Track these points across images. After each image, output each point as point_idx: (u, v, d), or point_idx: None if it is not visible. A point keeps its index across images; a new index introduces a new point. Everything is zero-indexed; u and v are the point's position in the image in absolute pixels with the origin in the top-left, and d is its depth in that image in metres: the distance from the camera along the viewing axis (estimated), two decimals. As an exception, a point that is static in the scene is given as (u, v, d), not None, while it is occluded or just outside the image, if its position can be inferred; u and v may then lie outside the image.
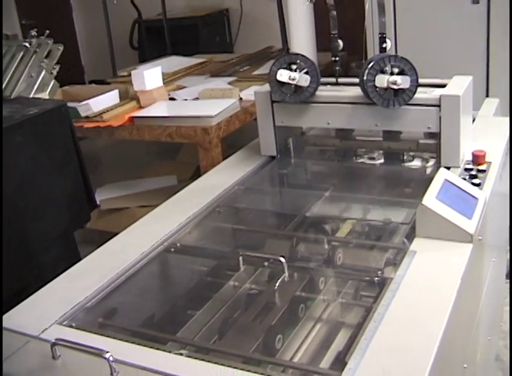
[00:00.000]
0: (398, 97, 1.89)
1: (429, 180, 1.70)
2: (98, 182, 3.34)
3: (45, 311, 1.40)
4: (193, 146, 2.93)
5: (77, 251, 2.42)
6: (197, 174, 2.19)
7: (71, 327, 1.36)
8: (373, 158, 2.20)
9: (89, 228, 3.00)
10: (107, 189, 3.41)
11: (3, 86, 2.70)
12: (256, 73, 3.63)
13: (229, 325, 1.48)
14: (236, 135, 2.95)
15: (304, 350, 1.45)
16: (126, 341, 1.29)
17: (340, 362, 1.28)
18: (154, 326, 1.50)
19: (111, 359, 1.09)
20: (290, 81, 1.98)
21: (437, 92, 1.93)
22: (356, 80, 2.00)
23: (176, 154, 3.84)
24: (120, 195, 3.36)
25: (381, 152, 2.20)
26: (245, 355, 1.30)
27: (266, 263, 1.62)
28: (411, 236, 1.63)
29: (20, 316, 1.39)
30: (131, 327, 1.42)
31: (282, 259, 1.52)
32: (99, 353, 1.09)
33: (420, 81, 1.88)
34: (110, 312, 1.48)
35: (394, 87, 1.86)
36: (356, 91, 2.00)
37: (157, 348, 1.26)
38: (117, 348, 1.13)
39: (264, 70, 3.57)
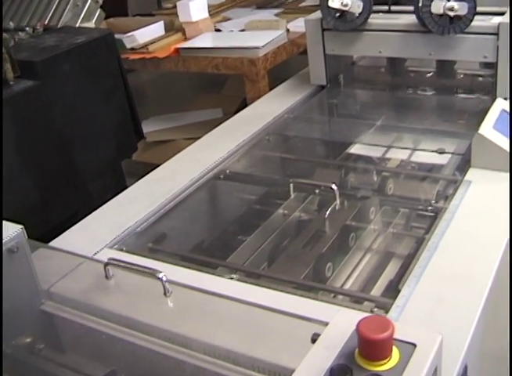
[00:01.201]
0: (455, 24, 1.82)
1: (483, 112, 1.64)
2: (143, 114, 3.32)
3: (95, 235, 1.41)
4: (239, 78, 2.89)
5: (125, 181, 2.43)
6: (243, 107, 2.16)
7: (121, 250, 1.36)
8: (425, 89, 2.14)
9: (135, 160, 3.00)
10: (153, 122, 3.40)
11: (49, 16, 2.68)
12: (303, 4, 3.55)
13: (279, 252, 1.46)
14: (282, 69, 2.89)
15: (354, 278, 1.43)
16: (176, 265, 1.29)
17: (393, 289, 1.26)
18: (204, 251, 1.50)
19: (164, 279, 1.08)
20: (342, 8, 1.91)
21: (495, 20, 1.85)
22: (410, 8, 1.93)
23: (221, 87, 3.80)
24: (166, 127, 3.35)
25: (434, 82, 2.13)
26: (296, 281, 1.29)
27: (317, 191, 1.60)
28: (465, 167, 1.59)
29: (71, 240, 1.40)
30: (181, 252, 1.42)
31: (333, 186, 1.50)
32: (152, 273, 1.08)
33: (478, 8, 1.80)
34: (160, 237, 1.47)
35: (451, 14, 1.79)
36: (410, 18, 1.93)
37: (208, 273, 1.26)
38: (168, 271, 1.12)
39: (311, 1, 3.48)
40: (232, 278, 1.23)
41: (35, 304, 1.20)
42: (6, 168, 1.93)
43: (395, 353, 0.80)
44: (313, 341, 0.86)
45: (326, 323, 0.88)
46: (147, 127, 3.29)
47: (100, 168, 2.30)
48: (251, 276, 1.30)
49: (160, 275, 1.08)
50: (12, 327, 1.07)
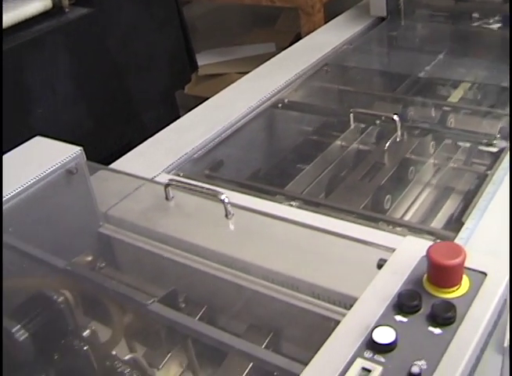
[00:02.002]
0: None
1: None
2: (196, 48, 3.28)
3: (152, 160, 1.39)
4: (294, 12, 2.82)
5: (178, 112, 2.41)
6: (296, 42, 2.10)
7: (178, 176, 1.35)
8: (491, 22, 2.05)
9: (187, 93, 2.98)
10: (205, 56, 3.36)
11: None
12: None
13: (337, 183, 1.43)
14: (338, 2, 2.81)
15: (413, 212, 1.40)
16: (234, 191, 1.27)
17: (454, 222, 1.23)
18: (261, 179, 1.48)
19: (226, 200, 1.06)
20: None
21: None
22: None
23: (275, 22, 3.73)
24: (218, 61, 3.31)
25: (500, 14, 2.04)
26: (355, 210, 1.26)
27: (378, 121, 1.55)
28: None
29: (127, 165, 1.39)
30: (238, 180, 1.40)
31: (395, 117, 1.46)
32: (214, 194, 1.07)
33: None
34: (217, 164, 1.46)
35: None
36: None
37: (266, 199, 1.24)
38: (228, 196, 1.10)
39: None
40: (291, 205, 1.21)
41: (93, 226, 1.21)
42: (61, 95, 1.93)
43: (465, 281, 0.78)
44: (379, 266, 0.83)
45: (392, 250, 0.85)
46: (199, 60, 3.23)
47: (154, 99, 2.28)
48: (310, 205, 1.27)
49: (222, 196, 1.06)
50: (71, 247, 1.08)
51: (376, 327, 0.70)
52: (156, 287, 0.97)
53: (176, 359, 1.10)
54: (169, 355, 1.06)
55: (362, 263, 0.94)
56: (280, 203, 1.22)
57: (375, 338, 0.69)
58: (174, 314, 0.86)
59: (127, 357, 1.00)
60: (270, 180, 1.46)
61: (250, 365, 0.93)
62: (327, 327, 0.93)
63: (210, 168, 1.44)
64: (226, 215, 1.07)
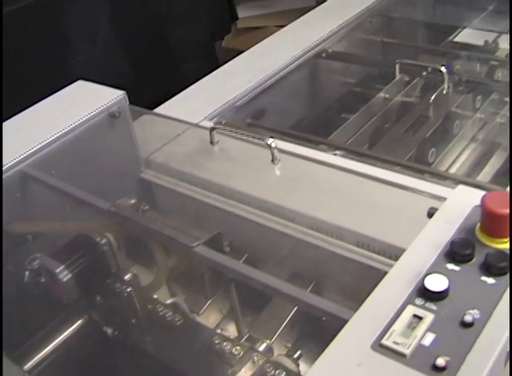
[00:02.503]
0: None
1: None
2: (236, 0, 3.25)
3: (194, 108, 1.37)
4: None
5: (217, 64, 2.38)
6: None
7: (220, 123, 1.33)
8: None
9: (224, 46, 2.94)
10: (243, 8, 3.30)
11: None
12: None
13: (381, 134, 1.41)
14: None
15: (458, 166, 1.37)
16: (277, 139, 1.25)
17: (501, 177, 1.20)
18: (304, 129, 1.45)
19: (273, 145, 1.04)
20: None
21: None
22: None
23: (315, -25, 3.66)
24: (257, 14, 3.26)
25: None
26: (400, 162, 1.23)
27: (424, 73, 1.51)
28: None
29: (169, 113, 1.37)
30: (280, 129, 1.37)
31: (443, 69, 1.42)
32: (260, 138, 1.05)
33: None
34: (259, 112, 1.43)
35: None
36: None
37: (310, 148, 1.22)
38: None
39: None
40: (335, 155, 1.18)
41: (135, 171, 1.20)
42: (101, 44, 1.92)
43: (519, 232, 0.75)
44: (430, 215, 0.81)
45: (442, 199, 0.83)
46: (239, 13, 3.20)
47: (193, 49, 2.26)
48: (354, 155, 1.25)
49: (269, 141, 1.04)
50: (113, 190, 1.07)
51: (427, 274, 0.69)
52: (199, 231, 0.96)
53: (216, 306, 1.09)
54: (210, 301, 1.06)
55: (410, 212, 0.92)
56: (324, 152, 1.20)
57: (427, 285, 0.67)
58: (219, 257, 0.85)
59: (168, 301, 1.00)
60: (313, 130, 1.44)
61: (294, 310, 0.92)
62: (372, 277, 0.92)
63: (253, 116, 1.42)
64: (272, 160, 1.05)
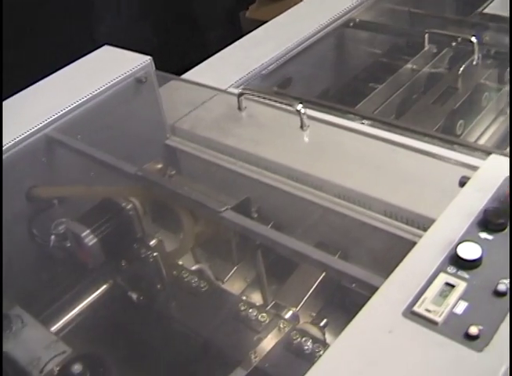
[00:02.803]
0: None
1: None
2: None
3: (219, 75, 1.36)
4: None
5: (241, 33, 2.36)
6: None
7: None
8: None
9: (249, 17, 2.91)
10: (268, -22, 3.28)
11: None
12: None
13: (408, 105, 1.39)
14: None
15: (487, 138, 1.35)
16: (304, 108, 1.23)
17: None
18: (331, 98, 1.43)
19: (303, 111, 1.03)
20: None
21: None
22: None
23: None
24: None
25: None
26: (428, 132, 1.21)
27: (454, 43, 1.48)
28: None
29: (196, 79, 1.35)
30: (307, 97, 1.36)
31: (473, 39, 1.39)
32: (289, 103, 1.03)
33: None
34: (286, 81, 1.42)
35: None
36: None
37: (337, 116, 1.20)
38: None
39: None
40: (362, 124, 1.17)
41: (161, 137, 1.19)
42: (126, 13, 1.90)
43: (555, 204, 0.74)
44: (461, 184, 0.80)
45: (473, 168, 0.82)
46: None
47: (218, 18, 2.24)
48: (381, 124, 1.23)
49: (298, 107, 1.02)
50: (138, 156, 1.06)
51: (460, 242, 0.68)
52: (226, 197, 0.95)
53: (241, 274, 1.09)
54: (234, 268, 1.05)
55: (439, 182, 0.91)
56: (351, 121, 1.18)
57: (459, 254, 0.66)
58: (247, 222, 0.84)
59: (194, 267, 1.00)
60: (340, 99, 1.42)
61: (320, 278, 0.92)
62: (399, 247, 0.91)
63: (279, 85, 1.40)
64: (301, 127, 1.04)
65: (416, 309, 0.63)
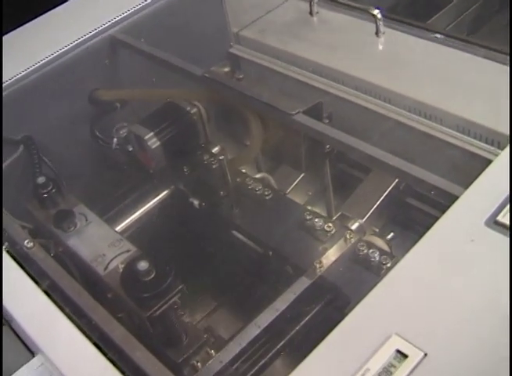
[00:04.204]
0: None
1: None
2: None
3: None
4: None
5: None
6: None
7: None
8: None
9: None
10: None
11: None
12: None
13: (483, 22, 1.32)
14: None
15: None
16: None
17: None
18: (400, 12, 1.37)
19: (379, 16, 0.97)
20: None
21: None
22: None
23: None
24: None
25: None
26: (504, 50, 1.15)
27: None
28: None
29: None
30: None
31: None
32: (365, 9, 0.98)
33: None
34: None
35: None
36: None
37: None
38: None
39: None
40: (436, 38, 1.11)
41: (224, 45, 1.16)
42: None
43: None
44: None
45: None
46: None
47: None
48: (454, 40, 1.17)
49: (375, 11, 0.97)
50: (202, 62, 1.02)
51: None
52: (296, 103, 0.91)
53: (303, 186, 1.07)
54: (299, 177, 1.03)
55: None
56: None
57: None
58: (320, 125, 0.81)
59: (258, 175, 0.97)
60: (412, 12, 1.36)
61: (394, 183, 0.88)
62: (474, 164, 0.87)
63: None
64: (376, 33, 0.99)
65: (500, 218, 0.61)
